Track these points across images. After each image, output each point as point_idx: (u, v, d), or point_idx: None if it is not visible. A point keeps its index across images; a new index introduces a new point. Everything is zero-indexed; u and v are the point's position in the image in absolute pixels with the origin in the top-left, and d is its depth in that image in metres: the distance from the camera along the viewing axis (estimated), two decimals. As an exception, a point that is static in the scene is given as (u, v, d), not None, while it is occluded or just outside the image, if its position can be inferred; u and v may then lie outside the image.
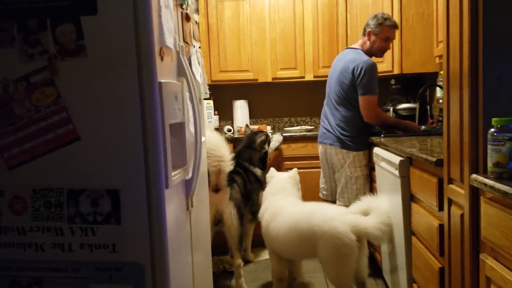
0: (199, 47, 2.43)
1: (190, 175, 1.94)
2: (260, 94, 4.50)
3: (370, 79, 3.02)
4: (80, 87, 1.58)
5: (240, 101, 4.33)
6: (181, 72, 1.90)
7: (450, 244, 1.74)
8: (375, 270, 3.17)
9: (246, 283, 3.10)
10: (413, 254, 2.27)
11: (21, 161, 1.62)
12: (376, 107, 3.08)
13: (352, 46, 3.32)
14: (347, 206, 3.07)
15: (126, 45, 1.55)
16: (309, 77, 4.12)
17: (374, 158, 2.86)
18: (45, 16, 1.56)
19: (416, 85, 3.78)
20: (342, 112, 3.16)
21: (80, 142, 1.60)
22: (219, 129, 4.19)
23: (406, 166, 2.29)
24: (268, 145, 3.58)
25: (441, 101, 3.41)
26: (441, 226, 1.84)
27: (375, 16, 3.18)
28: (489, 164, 1.39)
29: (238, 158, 3.32)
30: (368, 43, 3.18)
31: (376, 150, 2.84)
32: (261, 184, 3.41)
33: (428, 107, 3.73)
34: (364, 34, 3.22)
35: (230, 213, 3.02)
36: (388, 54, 3.69)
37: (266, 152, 3.56)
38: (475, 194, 1.51)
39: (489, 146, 1.38)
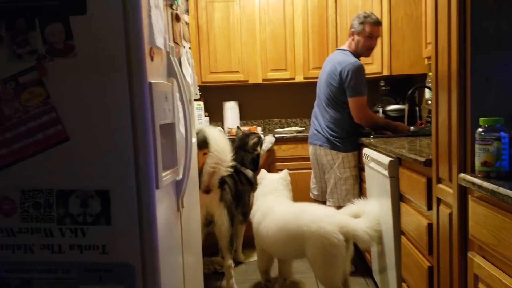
0: (189, 48, 2.43)
1: (180, 176, 1.94)
2: (251, 95, 4.50)
3: (357, 81, 3.04)
4: (69, 87, 1.57)
5: (230, 103, 4.33)
6: (171, 72, 1.90)
7: (439, 243, 1.75)
8: (365, 269, 3.19)
9: (237, 284, 3.10)
10: (402, 253, 2.28)
11: (9, 162, 1.60)
12: (365, 108, 3.11)
13: (341, 47, 3.34)
14: (337, 206, 3.10)
15: (116, 45, 1.54)
16: (299, 78, 4.13)
17: (364, 159, 2.88)
18: (33, 16, 1.55)
19: (405, 86, 3.81)
20: (331, 114, 3.18)
21: (70, 142, 1.59)
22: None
23: (396, 166, 2.31)
24: (260, 147, 3.59)
25: (429, 102, 3.44)
26: (429, 225, 1.86)
27: (357, 15, 3.20)
28: (477, 164, 1.40)
29: None
30: (353, 43, 3.21)
31: (366, 150, 2.86)
32: (252, 185, 3.41)
33: (417, 108, 3.77)
34: (349, 35, 3.24)
35: (221, 214, 3.02)
36: (377, 55, 3.73)
37: (258, 154, 3.57)
38: (463, 193, 1.52)
39: (476, 146, 1.40)
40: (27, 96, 1.58)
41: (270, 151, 3.81)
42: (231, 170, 3.02)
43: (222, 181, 3.04)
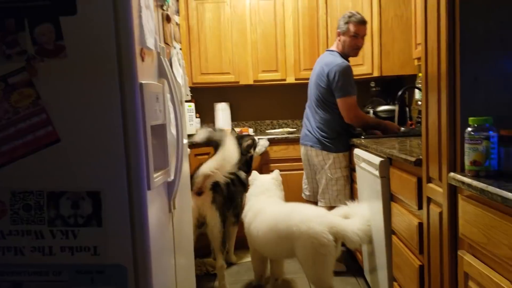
0: (180, 49, 2.42)
1: (172, 177, 1.93)
2: (242, 96, 4.50)
3: (344, 82, 3.05)
4: (60, 88, 1.56)
5: (221, 104, 4.33)
6: (162, 73, 1.89)
7: (429, 242, 1.77)
8: (357, 269, 3.20)
9: (229, 284, 3.10)
10: (393, 253, 2.30)
11: (-1, 164, 1.59)
12: (355, 108, 3.12)
13: (330, 48, 3.35)
14: (328, 207, 3.11)
15: (107, 46, 1.54)
16: (290, 79, 4.14)
17: (355, 159, 2.90)
18: (23, 16, 1.54)
19: (395, 87, 3.83)
20: (321, 115, 3.20)
21: (60, 144, 1.57)
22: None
23: (386, 166, 2.33)
24: (254, 149, 3.60)
25: (419, 103, 3.47)
26: (420, 225, 1.87)
27: (343, 15, 3.22)
28: (467, 163, 1.42)
29: None
30: (340, 44, 3.22)
31: (357, 151, 2.88)
32: (245, 187, 3.41)
33: (407, 109, 3.79)
34: (336, 36, 3.26)
35: (213, 216, 3.02)
36: (367, 56, 3.75)
37: (252, 156, 3.58)
38: (453, 192, 1.54)
39: (466, 145, 1.42)
40: (16, 97, 1.57)
41: (263, 153, 3.82)
42: (228, 179, 3.04)
43: (215, 184, 3.03)
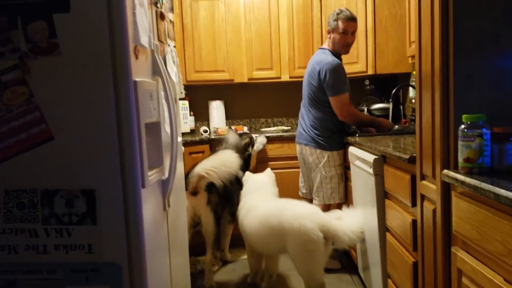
0: (174, 46, 2.42)
1: (166, 175, 1.93)
2: (236, 94, 4.50)
3: (336, 80, 3.06)
4: (53, 86, 1.55)
5: (216, 102, 4.32)
6: (156, 71, 1.89)
7: (423, 239, 1.78)
8: (351, 267, 3.22)
9: (224, 282, 3.10)
10: (387, 250, 2.31)
11: (-8, 162, 1.58)
12: (348, 105, 3.12)
13: (322, 46, 3.35)
14: (322, 205, 3.13)
15: (100, 43, 1.53)
16: (285, 77, 4.14)
17: (349, 157, 2.90)
18: (15, 14, 1.53)
19: (390, 85, 3.85)
20: (314, 113, 3.20)
21: (54, 142, 1.57)
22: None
23: (380, 164, 2.34)
24: (252, 147, 3.59)
25: (413, 100, 3.48)
26: (414, 222, 1.88)
27: (332, 13, 3.22)
28: (460, 160, 1.43)
29: None
30: (330, 41, 3.22)
31: (351, 149, 2.89)
32: (242, 186, 3.41)
33: (401, 107, 3.81)
34: (327, 33, 3.26)
35: (207, 216, 3.02)
36: (362, 55, 3.76)
37: (250, 155, 3.58)
38: (446, 189, 1.55)
39: (459, 143, 1.43)
40: (9, 95, 1.55)
41: (260, 151, 3.82)
42: (221, 183, 3.04)
43: (210, 184, 3.03)
